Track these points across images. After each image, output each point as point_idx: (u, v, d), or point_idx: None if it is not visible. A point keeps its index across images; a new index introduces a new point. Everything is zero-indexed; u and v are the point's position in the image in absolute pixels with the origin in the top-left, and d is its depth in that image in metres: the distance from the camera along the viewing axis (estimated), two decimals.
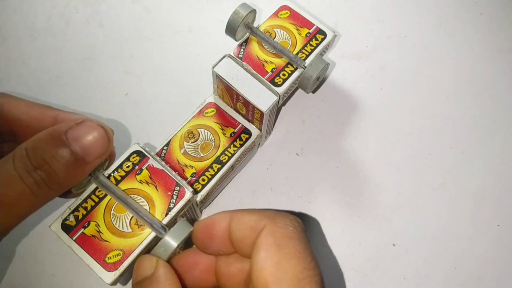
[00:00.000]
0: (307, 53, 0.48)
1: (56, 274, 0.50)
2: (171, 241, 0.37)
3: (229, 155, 0.47)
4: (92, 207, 0.40)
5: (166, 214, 0.40)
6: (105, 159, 0.40)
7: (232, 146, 0.48)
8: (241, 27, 0.47)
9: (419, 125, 0.57)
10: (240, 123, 0.49)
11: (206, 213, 0.52)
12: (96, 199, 0.40)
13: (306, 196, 0.53)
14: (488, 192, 0.54)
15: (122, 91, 0.58)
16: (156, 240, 0.39)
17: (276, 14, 0.50)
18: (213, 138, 0.48)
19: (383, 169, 0.55)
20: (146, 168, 0.41)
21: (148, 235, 0.39)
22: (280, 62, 0.48)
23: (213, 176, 0.46)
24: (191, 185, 0.45)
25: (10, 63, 0.60)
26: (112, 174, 0.41)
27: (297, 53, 0.48)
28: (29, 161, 0.32)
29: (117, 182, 0.41)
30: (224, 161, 0.47)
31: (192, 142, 0.47)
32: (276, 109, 0.49)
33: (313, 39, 0.49)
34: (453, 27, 0.63)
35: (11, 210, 0.32)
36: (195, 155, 0.47)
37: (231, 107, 0.50)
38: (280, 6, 0.51)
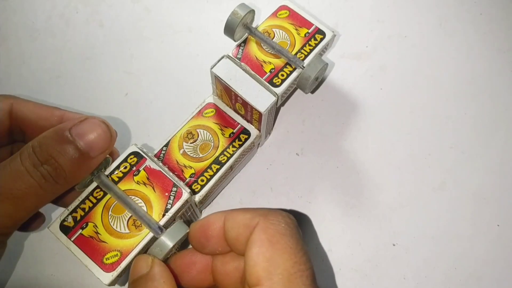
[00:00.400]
0: (306, 53, 0.48)
1: (56, 274, 0.50)
2: (167, 241, 0.38)
3: (228, 155, 0.47)
4: (90, 208, 0.40)
5: (163, 215, 0.40)
6: (108, 158, 0.40)
7: (231, 146, 0.48)
8: (239, 27, 0.47)
9: (419, 125, 0.57)
10: (239, 124, 0.49)
11: (205, 214, 0.52)
12: (94, 200, 0.40)
13: (306, 196, 0.53)
14: (488, 192, 0.54)
15: (122, 91, 0.58)
16: (153, 241, 0.39)
17: (275, 14, 0.50)
18: (212, 138, 0.48)
19: (383, 169, 0.55)
20: (143, 169, 0.41)
21: (145, 236, 0.39)
22: (278, 62, 0.47)
23: (212, 176, 0.46)
24: (190, 185, 0.45)
25: (10, 63, 0.60)
26: (109, 175, 0.41)
27: (296, 53, 0.48)
28: (36, 157, 0.34)
29: (115, 183, 0.41)
30: (223, 161, 0.47)
31: (191, 143, 0.47)
32: (275, 110, 0.49)
33: (312, 39, 0.49)
34: (453, 27, 0.62)
35: (20, 203, 0.34)
36: (194, 156, 0.47)
37: (230, 107, 0.50)
38: (279, 6, 0.51)
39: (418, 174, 0.54)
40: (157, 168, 0.42)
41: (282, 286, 0.30)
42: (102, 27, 0.62)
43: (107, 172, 0.41)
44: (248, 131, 0.49)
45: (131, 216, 0.39)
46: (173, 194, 0.41)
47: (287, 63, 0.47)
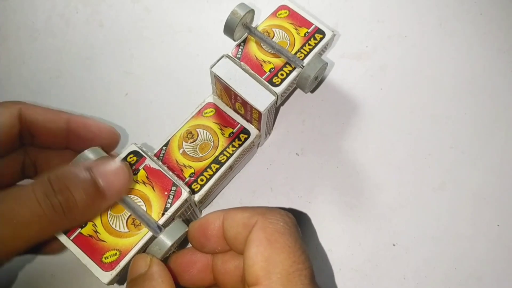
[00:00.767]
0: (305, 53, 0.48)
1: (56, 274, 0.50)
2: (166, 240, 0.38)
3: (228, 155, 0.47)
4: None
5: (163, 214, 0.40)
6: (108, 158, 0.40)
7: (230, 146, 0.48)
8: (239, 27, 0.47)
9: (419, 125, 0.57)
10: (239, 123, 0.49)
11: (205, 213, 0.52)
12: None
13: (306, 196, 0.53)
14: (488, 192, 0.54)
15: (122, 91, 0.58)
16: (152, 240, 0.39)
17: (274, 14, 0.50)
18: (212, 138, 0.48)
19: (383, 169, 0.55)
20: (143, 168, 0.42)
21: (144, 235, 0.39)
22: (278, 62, 0.47)
23: (211, 176, 0.46)
24: (190, 185, 0.45)
25: (10, 63, 0.60)
26: None
27: (296, 53, 0.48)
28: (50, 186, 0.33)
29: None
30: (222, 161, 0.47)
31: (191, 142, 0.47)
32: (275, 109, 0.49)
33: (312, 39, 0.49)
34: (453, 27, 0.62)
35: (20, 231, 0.33)
36: (194, 155, 0.47)
37: (230, 107, 0.50)
38: (279, 6, 0.51)
39: (418, 174, 0.54)
40: (157, 167, 0.42)
41: (281, 286, 0.31)
42: (102, 27, 0.62)
43: None
44: (248, 130, 0.49)
45: (130, 215, 0.39)
46: (173, 193, 0.41)
47: (286, 63, 0.47)
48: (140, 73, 0.60)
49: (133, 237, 0.39)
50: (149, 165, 0.42)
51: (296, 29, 0.49)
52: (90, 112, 0.57)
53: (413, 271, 0.50)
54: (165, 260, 0.39)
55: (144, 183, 0.41)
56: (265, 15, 0.50)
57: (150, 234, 0.39)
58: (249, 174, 0.54)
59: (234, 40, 0.48)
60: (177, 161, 0.46)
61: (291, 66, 0.47)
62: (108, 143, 0.44)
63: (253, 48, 0.48)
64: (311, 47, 0.49)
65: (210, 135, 0.48)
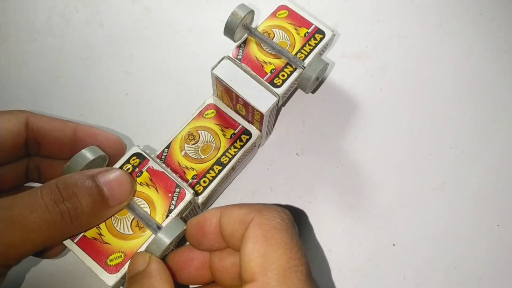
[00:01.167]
0: (306, 53, 0.48)
1: (56, 274, 0.50)
2: (164, 238, 0.38)
3: (230, 156, 0.47)
4: None
5: (167, 216, 0.40)
6: (105, 157, 0.40)
7: (232, 147, 0.48)
8: (239, 28, 0.47)
9: (419, 125, 0.57)
10: (240, 124, 0.49)
11: None
12: None
13: (306, 196, 0.53)
14: (488, 192, 0.54)
15: (122, 91, 0.58)
16: None
17: (274, 14, 0.50)
18: (213, 139, 0.48)
19: (383, 169, 0.55)
20: (146, 170, 0.42)
21: (149, 237, 0.39)
22: (279, 62, 0.48)
23: (214, 177, 0.46)
24: (192, 187, 0.45)
25: (10, 63, 0.60)
26: None
27: (296, 53, 0.48)
28: (59, 193, 0.34)
29: None
30: (225, 162, 0.47)
31: (192, 144, 0.47)
32: (276, 110, 0.49)
33: (312, 39, 0.49)
34: (453, 27, 0.63)
35: (29, 236, 0.33)
36: (195, 157, 0.47)
37: (231, 108, 0.50)
38: (278, 6, 0.51)
39: (418, 174, 0.54)
40: (160, 169, 0.42)
41: (277, 282, 0.31)
42: (102, 27, 0.62)
43: None
44: (249, 131, 0.49)
45: (135, 217, 0.39)
46: (176, 195, 0.41)
47: (287, 64, 0.48)
48: (140, 73, 0.60)
49: (138, 239, 0.39)
50: (153, 167, 0.42)
51: (296, 29, 0.49)
52: (90, 112, 0.57)
53: (413, 271, 0.50)
54: (164, 258, 0.39)
55: (147, 185, 0.41)
56: (265, 16, 0.50)
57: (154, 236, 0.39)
58: (249, 174, 0.54)
59: (235, 41, 0.48)
60: (179, 163, 0.46)
61: (292, 67, 0.47)
62: (115, 153, 0.44)
63: (253, 49, 0.48)
64: (311, 47, 0.49)
65: (211, 137, 0.48)
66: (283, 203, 0.53)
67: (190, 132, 0.48)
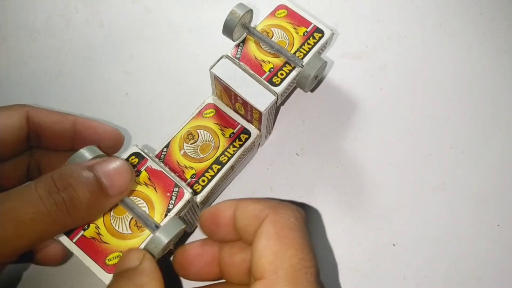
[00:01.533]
0: (304, 52, 0.48)
1: (56, 274, 0.50)
2: (162, 237, 0.37)
3: (229, 155, 0.47)
4: None
5: (165, 215, 0.40)
6: (104, 156, 0.40)
7: (231, 146, 0.48)
8: (238, 27, 0.47)
9: (419, 125, 0.57)
10: (239, 124, 0.49)
11: None
12: None
13: (306, 196, 0.53)
14: (488, 192, 0.54)
15: (122, 91, 0.58)
16: None
17: (273, 14, 0.50)
18: (212, 139, 0.48)
19: (383, 169, 0.55)
20: (144, 169, 0.42)
21: (147, 236, 0.39)
22: (277, 61, 0.47)
23: (213, 177, 0.46)
24: (191, 186, 0.45)
25: (10, 63, 0.60)
26: None
27: (295, 52, 0.48)
28: (53, 184, 0.34)
29: None
30: (223, 161, 0.47)
31: (191, 143, 0.47)
32: (275, 109, 0.49)
33: (311, 38, 0.49)
34: (453, 27, 0.62)
35: (22, 229, 0.33)
36: (194, 156, 0.47)
37: (230, 107, 0.50)
38: (277, 5, 0.51)
39: (418, 174, 0.54)
40: (159, 168, 0.42)
41: (286, 282, 0.31)
42: (102, 27, 0.62)
43: None
44: (248, 131, 0.49)
45: (133, 217, 0.39)
46: (175, 194, 0.41)
47: (286, 62, 0.47)
48: (140, 73, 0.60)
49: (136, 238, 0.39)
50: (151, 167, 0.42)
51: (295, 28, 0.49)
52: (90, 112, 0.57)
53: (413, 271, 0.50)
54: (161, 258, 0.39)
55: (146, 184, 0.41)
56: (264, 15, 0.50)
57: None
58: (249, 174, 0.54)
59: (233, 40, 0.48)
60: (178, 163, 0.46)
61: (291, 66, 0.47)
62: (113, 144, 0.45)
63: (252, 48, 0.48)
64: (310, 46, 0.49)
65: (210, 136, 0.48)
66: None
67: (189, 131, 0.48)
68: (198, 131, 0.48)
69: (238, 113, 0.49)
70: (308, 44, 0.49)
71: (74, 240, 0.38)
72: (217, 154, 0.47)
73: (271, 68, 0.47)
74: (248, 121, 0.49)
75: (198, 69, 0.59)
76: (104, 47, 0.61)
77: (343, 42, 0.61)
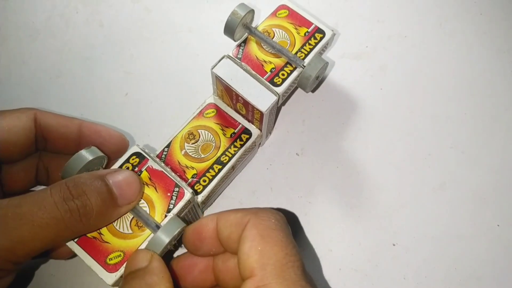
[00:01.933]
0: (306, 52, 0.48)
1: (56, 274, 0.50)
2: (163, 236, 0.37)
3: (230, 155, 0.47)
4: None
5: (166, 215, 0.40)
6: (104, 157, 0.40)
7: (232, 146, 0.48)
8: (239, 27, 0.47)
9: (419, 125, 0.57)
10: (240, 124, 0.49)
11: (207, 214, 0.52)
12: None
13: (306, 196, 0.53)
14: (488, 192, 0.54)
15: (122, 91, 0.58)
16: None
17: (274, 14, 0.50)
18: (213, 139, 0.48)
19: (383, 169, 0.55)
20: (145, 169, 0.42)
21: (148, 236, 0.39)
22: (279, 61, 0.48)
23: (214, 176, 0.46)
24: (192, 186, 0.45)
25: (10, 63, 0.60)
26: None
27: (296, 53, 0.48)
28: (68, 191, 0.35)
29: None
30: (224, 161, 0.47)
31: (192, 143, 0.47)
32: (276, 109, 0.49)
33: (312, 38, 0.49)
34: (453, 27, 0.62)
35: (37, 232, 0.34)
36: (195, 156, 0.47)
37: (231, 107, 0.50)
38: (278, 6, 0.51)
39: (418, 174, 0.54)
40: (159, 168, 0.42)
41: (275, 276, 0.32)
42: (102, 27, 0.62)
43: None
44: (249, 131, 0.49)
45: (134, 217, 0.39)
46: (175, 194, 0.41)
47: (287, 63, 0.48)
48: (140, 73, 0.60)
49: (137, 238, 0.39)
50: (152, 167, 0.42)
51: (296, 28, 0.49)
52: (90, 112, 0.57)
53: (413, 271, 0.50)
54: (165, 256, 0.39)
55: (147, 184, 0.41)
56: (265, 15, 0.50)
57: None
58: (249, 174, 0.54)
59: (235, 41, 0.48)
60: (179, 162, 0.46)
61: (292, 66, 0.47)
62: (117, 149, 0.45)
63: (253, 48, 0.48)
64: (311, 46, 0.49)
65: (211, 136, 0.48)
66: (283, 203, 0.53)
67: (190, 131, 0.48)
68: (199, 131, 0.48)
69: (239, 113, 0.49)
70: (309, 44, 0.49)
71: (75, 240, 0.38)
72: (218, 154, 0.47)
73: (273, 68, 0.47)
74: (249, 121, 0.49)
75: (199, 69, 0.59)
76: (104, 47, 0.61)
77: (343, 42, 0.61)
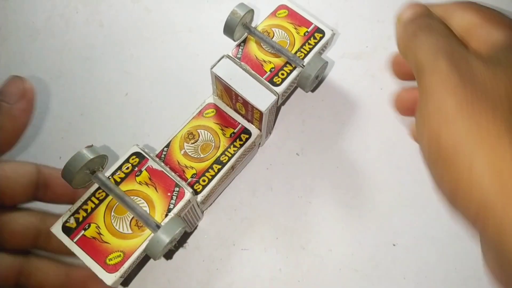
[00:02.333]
0: (305, 52, 0.48)
1: None
2: (163, 236, 0.37)
3: (229, 155, 0.47)
4: (93, 209, 0.40)
5: (166, 215, 0.40)
6: (104, 156, 0.40)
7: (232, 146, 0.48)
8: (239, 27, 0.47)
9: None
10: (240, 123, 0.49)
11: (207, 214, 0.52)
12: (96, 201, 0.40)
13: (306, 196, 0.53)
14: None
15: (122, 91, 0.58)
16: None
17: (274, 14, 0.50)
18: (213, 138, 0.48)
19: (383, 169, 0.55)
20: (145, 169, 0.42)
21: (148, 236, 0.39)
22: (278, 61, 0.48)
23: (213, 176, 0.46)
24: (192, 186, 0.45)
25: (10, 63, 0.60)
26: (111, 176, 0.41)
27: (296, 52, 0.48)
28: None
29: (117, 183, 0.41)
30: (224, 161, 0.47)
31: (192, 143, 0.47)
32: (276, 109, 0.49)
33: (312, 38, 0.49)
34: None
35: None
36: (195, 156, 0.47)
37: (231, 107, 0.50)
38: (278, 6, 0.51)
39: (418, 174, 0.54)
40: (159, 168, 0.42)
41: None
42: (102, 27, 0.62)
43: (109, 172, 0.41)
44: (249, 130, 0.49)
45: (134, 216, 0.39)
46: (176, 194, 0.41)
47: (287, 62, 0.48)
48: (140, 73, 0.60)
49: (137, 238, 0.39)
50: (152, 166, 0.42)
51: (295, 28, 0.49)
52: (90, 112, 0.57)
53: (413, 271, 0.50)
54: (165, 256, 0.39)
55: (147, 184, 0.41)
56: (265, 15, 0.50)
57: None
58: (249, 174, 0.54)
59: (234, 40, 0.48)
60: (178, 162, 0.46)
61: (292, 66, 0.47)
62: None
63: (253, 48, 0.48)
64: (311, 46, 0.49)
65: (211, 136, 0.48)
66: (283, 203, 0.53)
67: (189, 131, 0.48)
68: (199, 131, 0.48)
69: (239, 113, 0.49)
70: (309, 44, 0.49)
71: (74, 240, 0.38)
72: (218, 154, 0.47)
73: (272, 68, 0.47)
74: (248, 121, 0.49)
75: (198, 69, 0.59)
76: (104, 47, 0.61)
77: (343, 42, 0.61)
